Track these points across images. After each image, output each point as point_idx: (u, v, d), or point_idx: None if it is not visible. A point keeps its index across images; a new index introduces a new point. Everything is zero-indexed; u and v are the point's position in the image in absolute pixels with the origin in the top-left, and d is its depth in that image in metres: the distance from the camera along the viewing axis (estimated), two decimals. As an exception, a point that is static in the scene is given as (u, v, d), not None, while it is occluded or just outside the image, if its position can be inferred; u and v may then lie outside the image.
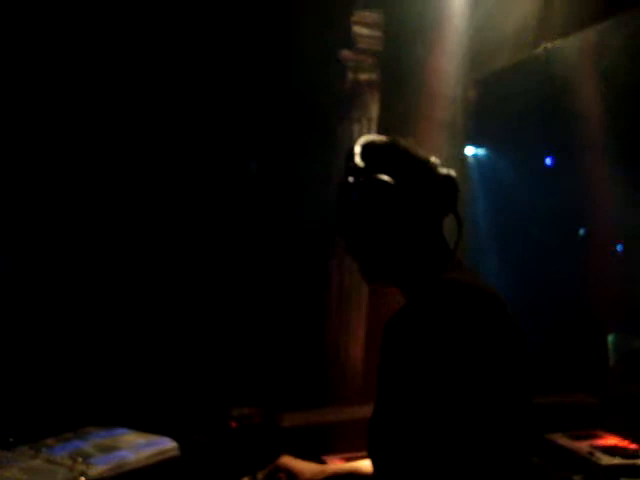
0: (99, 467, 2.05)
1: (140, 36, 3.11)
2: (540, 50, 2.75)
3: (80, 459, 2.09)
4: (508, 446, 1.32)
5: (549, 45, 2.69)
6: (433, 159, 1.49)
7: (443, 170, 1.48)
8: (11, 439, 2.20)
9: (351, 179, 1.44)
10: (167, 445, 2.31)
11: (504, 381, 1.32)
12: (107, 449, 2.21)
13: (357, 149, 1.46)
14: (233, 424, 2.64)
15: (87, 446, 2.22)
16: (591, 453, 2.96)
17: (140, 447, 2.25)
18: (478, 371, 1.29)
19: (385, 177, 1.41)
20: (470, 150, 5.25)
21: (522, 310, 1.51)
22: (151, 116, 3.29)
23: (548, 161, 5.89)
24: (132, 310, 3.16)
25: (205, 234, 3.43)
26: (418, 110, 3.20)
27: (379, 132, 3.44)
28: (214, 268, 3.41)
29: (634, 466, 2.89)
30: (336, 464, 2.13)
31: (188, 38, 3.27)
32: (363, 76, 3.39)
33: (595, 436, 3.18)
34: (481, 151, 5.95)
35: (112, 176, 3.20)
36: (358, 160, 1.44)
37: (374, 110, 3.41)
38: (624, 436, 3.18)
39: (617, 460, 2.90)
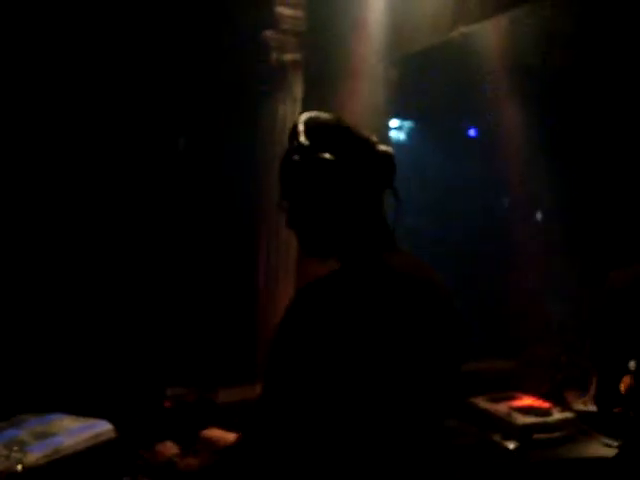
0: (35, 454, 2.07)
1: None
2: (456, 34, 2.86)
3: (16, 448, 2.11)
4: (388, 421, 1.39)
5: (465, 29, 2.82)
6: (373, 137, 1.55)
7: (382, 147, 1.54)
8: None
9: (296, 157, 1.48)
10: (103, 428, 2.34)
11: (391, 362, 1.39)
12: (43, 436, 2.23)
13: (301, 127, 1.50)
14: (167, 403, 2.70)
15: (22, 434, 2.23)
16: (508, 414, 3.18)
17: (75, 431, 2.28)
18: (358, 347, 1.36)
19: (328, 155, 1.46)
20: (394, 123, 5.35)
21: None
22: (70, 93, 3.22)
23: (472, 132, 6.04)
24: (63, 293, 3.14)
25: (131, 212, 3.41)
26: (342, 89, 3.28)
27: (304, 112, 3.52)
28: (142, 247, 3.41)
29: (546, 423, 3.12)
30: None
31: (114, 13, 3.22)
32: (287, 56, 3.43)
33: (513, 398, 3.41)
34: (407, 124, 6.06)
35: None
36: (303, 138, 1.48)
37: (298, 90, 3.46)
38: (539, 396, 3.42)
39: (531, 419, 3.13)
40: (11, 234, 3.03)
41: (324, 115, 1.55)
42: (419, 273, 1.51)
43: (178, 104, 3.49)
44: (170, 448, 2.01)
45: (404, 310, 1.42)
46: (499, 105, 4.05)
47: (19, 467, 2.01)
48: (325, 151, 1.47)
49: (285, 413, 1.37)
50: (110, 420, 2.42)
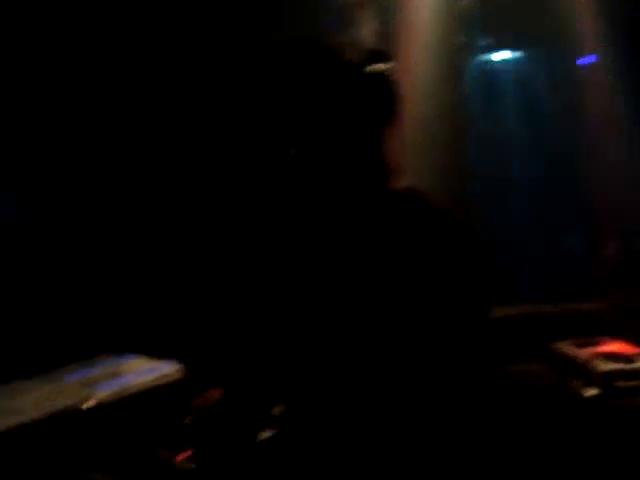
0: (103, 393, 2.23)
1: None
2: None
3: (87, 386, 2.28)
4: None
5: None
6: (358, 57, 1.29)
7: (371, 68, 1.29)
8: (27, 369, 2.40)
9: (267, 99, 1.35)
10: (171, 369, 2.47)
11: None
12: (113, 375, 2.39)
13: (267, 63, 1.34)
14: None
15: (96, 373, 2.41)
16: (590, 360, 3.04)
17: (144, 372, 2.43)
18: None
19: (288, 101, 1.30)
20: (502, 55, 5.05)
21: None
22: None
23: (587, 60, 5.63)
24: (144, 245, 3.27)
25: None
26: (408, 28, 3.14)
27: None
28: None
29: (630, 370, 2.96)
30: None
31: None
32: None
33: (599, 343, 3.25)
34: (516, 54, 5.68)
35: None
36: (263, 81, 1.34)
37: (365, 31, 3.35)
38: (628, 342, 3.24)
39: (613, 365, 2.97)
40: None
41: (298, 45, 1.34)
42: (411, 207, 1.34)
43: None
44: (214, 394, 2.08)
45: (386, 239, 1.29)
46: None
47: (87, 404, 2.17)
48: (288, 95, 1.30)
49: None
50: (183, 362, 2.55)
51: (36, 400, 2.17)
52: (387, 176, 1.36)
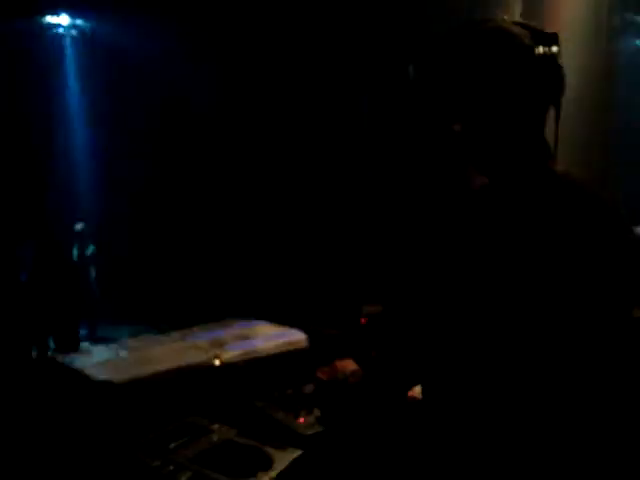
0: (231, 352, 2.33)
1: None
2: None
3: (217, 345, 2.39)
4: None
5: None
6: (527, 38, 1.31)
7: (540, 49, 1.32)
8: (164, 325, 2.56)
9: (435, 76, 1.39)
10: (297, 336, 2.54)
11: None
12: (242, 338, 2.49)
13: (437, 46, 1.39)
14: (363, 320, 2.81)
15: (226, 334, 2.52)
16: None
17: (271, 337, 2.51)
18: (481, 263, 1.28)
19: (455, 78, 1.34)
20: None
21: None
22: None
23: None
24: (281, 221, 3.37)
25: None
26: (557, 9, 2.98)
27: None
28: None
29: None
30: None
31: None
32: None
33: None
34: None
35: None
36: (429, 61, 1.39)
37: (517, 10, 3.22)
38: None
39: None
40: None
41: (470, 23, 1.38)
42: (573, 193, 1.33)
43: (361, 62, 3.43)
44: (348, 365, 2.11)
45: (552, 230, 1.28)
46: None
47: (217, 361, 2.28)
48: (461, 66, 1.34)
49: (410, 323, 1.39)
50: (306, 331, 2.61)
51: (170, 353, 2.31)
52: (548, 158, 1.36)
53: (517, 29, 1.35)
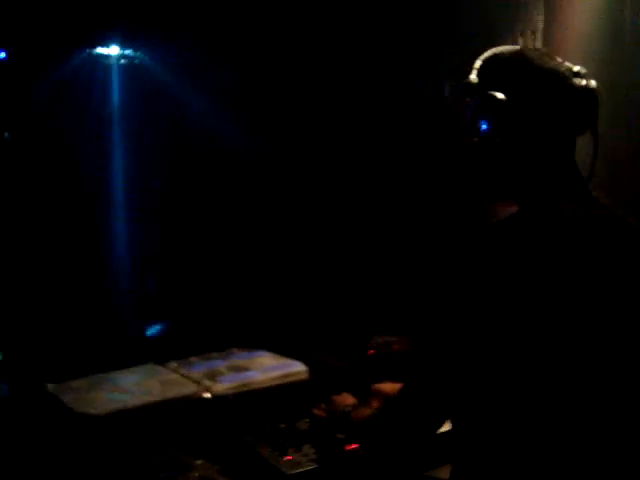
0: (224, 385, 2.24)
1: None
2: None
3: (211, 376, 2.31)
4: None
5: None
6: (565, 69, 1.38)
7: (579, 82, 1.37)
8: (163, 355, 2.49)
9: (466, 96, 1.42)
10: (297, 368, 2.43)
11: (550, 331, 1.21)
12: (239, 369, 2.40)
13: (477, 64, 1.41)
14: (371, 351, 2.69)
15: (223, 365, 2.43)
16: None
17: (270, 369, 2.41)
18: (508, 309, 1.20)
19: (498, 94, 1.34)
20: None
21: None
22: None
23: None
24: (280, 237, 3.27)
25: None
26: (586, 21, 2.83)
27: (545, 45, 3.12)
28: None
29: None
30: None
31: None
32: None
33: None
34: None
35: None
36: (473, 76, 1.40)
37: (539, 21, 3.09)
38: None
39: None
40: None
41: (507, 48, 1.44)
42: (607, 227, 1.30)
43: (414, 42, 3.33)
44: (346, 399, 2.01)
45: (582, 266, 1.24)
46: None
47: (207, 394, 2.20)
48: (497, 88, 1.35)
49: (441, 364, 1.31)
50: (310, 362, 2.50)
51: (160, 384, 2.24)
52: (582, 187, 1.38)
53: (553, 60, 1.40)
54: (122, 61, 3.36)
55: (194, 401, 2.16)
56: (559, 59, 1.44)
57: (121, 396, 2.10)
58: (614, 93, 2.36)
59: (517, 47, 1.47)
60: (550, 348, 1.20)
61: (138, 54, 3.39)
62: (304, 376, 2.42)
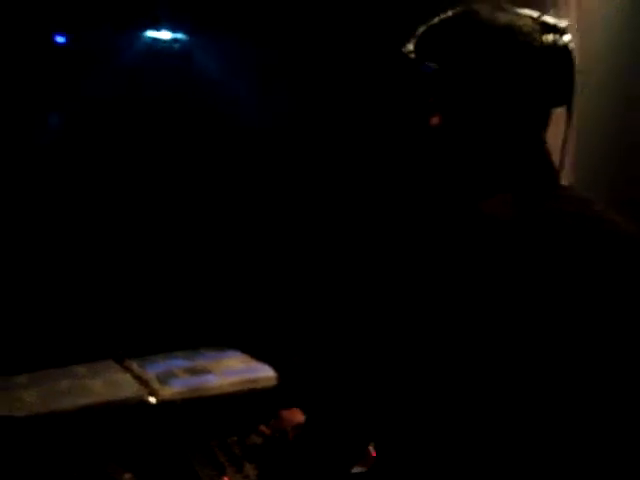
0: (174, 389, 2.01)
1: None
2: None
3: (163, 379, 2.08)
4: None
5: None
6: (525, 24, 1.05)
7: (546, 38, 1.04)
8: (120, 352, 2.29)
9: (402, 69, 1.14)
10: (263, 373, 2.19)
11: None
12: (198, 371, 2.17)
13: (419, 30, 1.12)
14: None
15: (182, 367, 2.21)
16: None
17: (233, 373, 2.17)
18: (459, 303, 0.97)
19: (431, 64, 1.06)
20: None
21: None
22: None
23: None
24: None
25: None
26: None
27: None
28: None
29: None
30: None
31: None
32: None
33: None
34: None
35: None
36: (410, 45, 1.11)
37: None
38: None
39: None
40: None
41: (455, 10, 1.10)
42: (580, 221, 1.02)
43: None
44: (295, 416, 1.75)
45: (529, 268, 0.98)
46: None
47: (152, 399, 1.98)
48: (435, 58, 1.06)
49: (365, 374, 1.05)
50: (287, 367, 2.26)
51: (105, 385, 2.03)
52: (552, 173, 1.08)
53: (515, 14, 1.07)
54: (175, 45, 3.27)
55: (135, 405, 1.94)
56: (527, 10, 1.10)
57: (54, 397, 1.91)
58: None
59: (470, 6, 1.12)
60: (484, 361, 0.96)
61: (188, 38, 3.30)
62: (271, 382, 2.17)
